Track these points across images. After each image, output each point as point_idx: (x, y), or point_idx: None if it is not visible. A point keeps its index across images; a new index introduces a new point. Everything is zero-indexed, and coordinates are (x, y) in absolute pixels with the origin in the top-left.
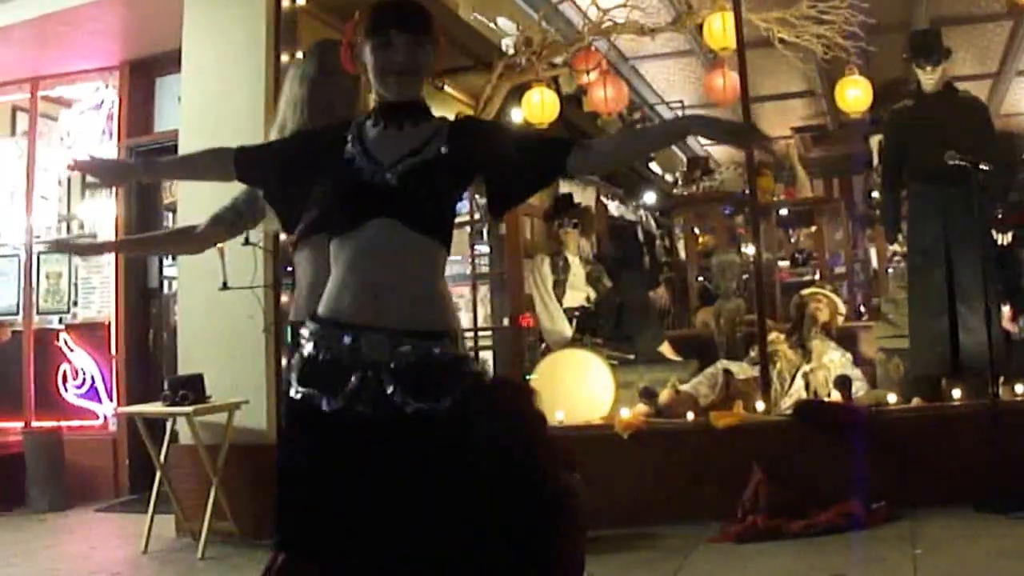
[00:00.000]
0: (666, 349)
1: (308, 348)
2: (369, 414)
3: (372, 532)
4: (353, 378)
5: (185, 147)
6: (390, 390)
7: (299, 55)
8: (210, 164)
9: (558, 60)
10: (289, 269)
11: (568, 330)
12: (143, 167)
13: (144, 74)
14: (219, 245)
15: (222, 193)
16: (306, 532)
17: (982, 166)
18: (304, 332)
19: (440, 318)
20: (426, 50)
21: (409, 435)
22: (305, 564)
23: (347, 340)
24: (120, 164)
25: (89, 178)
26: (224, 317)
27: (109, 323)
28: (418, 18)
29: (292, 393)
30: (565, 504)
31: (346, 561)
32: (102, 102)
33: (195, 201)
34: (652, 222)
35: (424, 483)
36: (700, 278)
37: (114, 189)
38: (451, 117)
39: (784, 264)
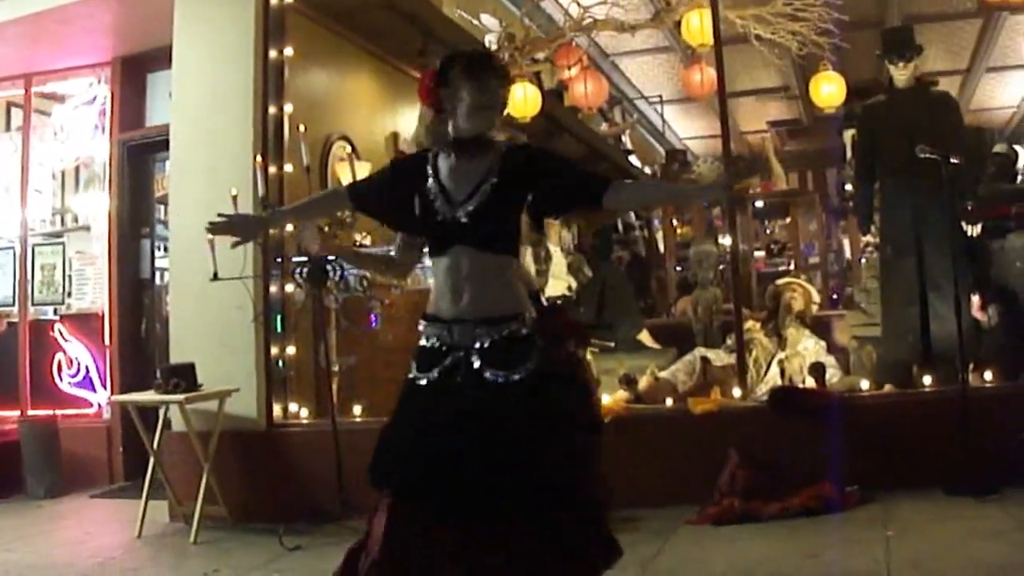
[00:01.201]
0: (645, 337)
1: (422, 340)
2: (462, 383)
3: (465, 468)
4: (449, 358)
5: (176, 141)
6: (476, 365)
7: None
8: (330, 203)
9: (540, 56)
10: (279, 260)
11: None
12: (272, 218)
13: (136, 70)
14: (209, 237)
15: (209, 188)
16: (413, 475)
17: (952, 160)
18: (421, 327)
19: (509, 306)
20: (505, 91)
21: (492, 398)
22: (409, 498)
23: (444, 331)
24: (254, 219)
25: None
26: (214, 307)
27: (103, 314)
28: (501, 67)
29: (411, 375)
30: (597, 445)
31: (440, 490)
32: (95, 97)
33: (185, 193)
34: (632, 214)
35: (502, 432)
36: (678, 268)
37: (108, 184)
38: (505, 147)
39: (760, 254)
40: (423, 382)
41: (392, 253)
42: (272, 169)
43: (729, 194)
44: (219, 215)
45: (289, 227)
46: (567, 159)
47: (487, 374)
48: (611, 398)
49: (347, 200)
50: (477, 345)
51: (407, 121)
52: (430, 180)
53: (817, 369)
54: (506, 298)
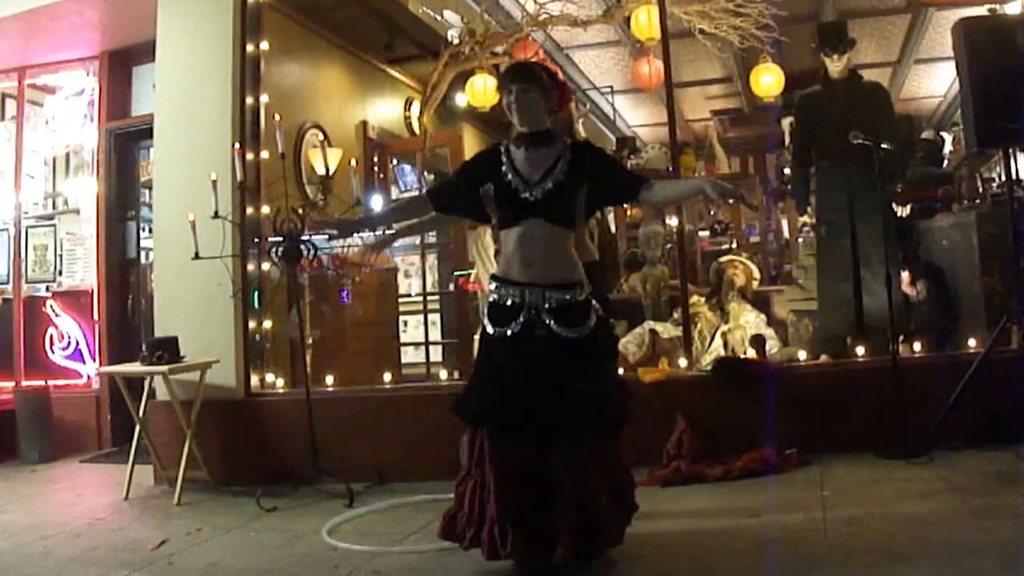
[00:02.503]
0: None
1: (493, 297)
2: (535, 335)
3: (536, 403)
4: (522, 315)
5: (160, 130)
6: (548, 322)
7: None
8: (416, 208)
9: (499, 49)
10: (256, 240)
11: None
12: (367, 223)
13: (122, 63)
14: (190, 218)
15: (191, 174)
16: (496, 408)
17: (883, 145)
18: (492, 286)
19: (571, 274)
20: (538, 94)
21: (559, 348)
22: (496, 429)
23: (517, 292)
24: (354, 223)
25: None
26: (196, 284)
27: (92, 290)
28: (529, 74)
29: (489, 330)
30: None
31: (517, 423)
32: (84, 89)
33: (168, 178)
34: None
35: (566, 372)
36: (628, 247)
37: (96, 170)
38: (569, 142)
39: (704, 234)
40: (506, 333)
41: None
42: (249, 155)
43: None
44: (331, 227)
45: (265, 208)
46: (615, 159)
47: (557, 329)
48: None
49: (430, 206)
50: (547, 306)
51: (375, 110)
52: (504, 166)
53: (758, 341)
54: (568, 266)
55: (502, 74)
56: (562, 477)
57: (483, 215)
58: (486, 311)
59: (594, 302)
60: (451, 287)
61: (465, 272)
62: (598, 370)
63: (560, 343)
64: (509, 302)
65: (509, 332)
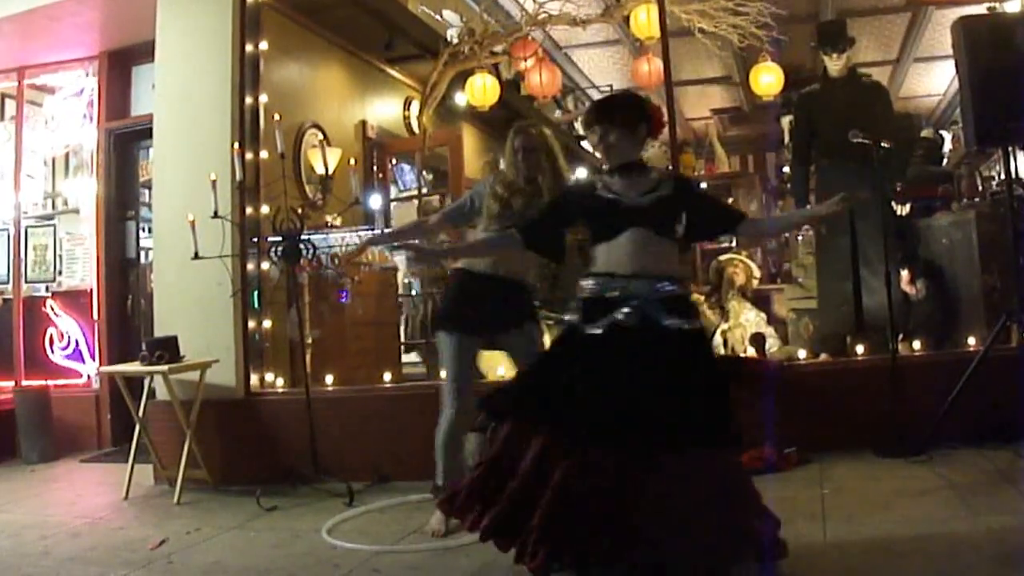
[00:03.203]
0: None
1: (587, 293)
2: (637, 327)
3: (641, 404)
4: (626, 306)
5: (159, 130)
6: (655, 313)
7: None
8: (504, 246)
9: (498, 49)
10: (255, 240)
11: None
12: (452, 252)
13: (121, 63)
14: (190, 218)
15: (190, 174)
16: (602, 415)
17: (883, 144)
18: (589, 283)
19: (676, 271)
20: (619, 130)
21: (672, 342)
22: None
23: (623, 284)
24: (431, 252)
25: (72, 161)
26: (196, 284)
27: (91, 290)
28: (607, 113)
29: (580, 325)
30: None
31: (613, 426)
32: (83, 89)
33: (167, 178)
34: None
35: (672, 367)
36: None
37: (96, 170)
38: (661, 173)
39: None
40: (598, 331)
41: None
42: (249, 155)
43: (839, 210)
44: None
45: (265, 208)
46: (713, 196)
47: (666, 321)
48: None
49: (521, 244)
50: (655, 297)
51: (374, 110)
52: (599, 192)
53: (757, 339)
54: (673, 266)
55: (586, 112)
56: (674, 487)
57: (561, 255)
58: (577, 309)
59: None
60: None
61: None
62: (712, 367)
63: (668, 335)
64: (611, 295)
65: (610, 323)
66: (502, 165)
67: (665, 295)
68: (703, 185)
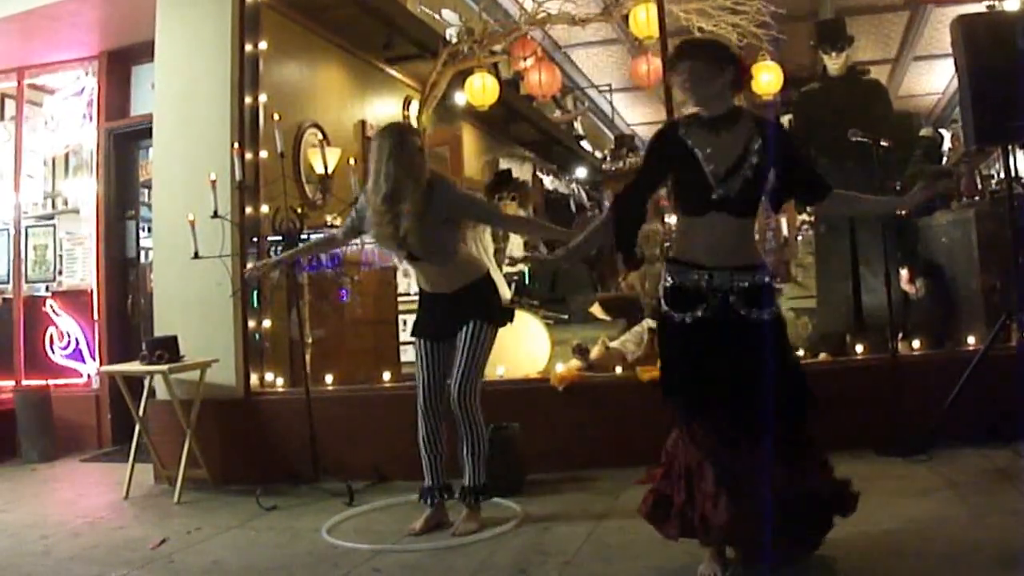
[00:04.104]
0: (596, 310)
1: (671, 281)
2: (720, 318)
3: (723, 384)
4: (710, 298)
5: (159, 130)
6: (735, 304)
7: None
8: (602, 229)
9: (497, 48)
10: (255, 239)
11: (508, 293)
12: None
13: (121, 63)
14: (190, 218)
15: (190, 173)
16: (686, 389)
17: (882, 143)
18: (670, 270)
19: (755, 258)
20: (714, 73)
21: (751, 330)
22: (700, 414)
23: (704, 276)
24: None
25: (72, 161)
26: (196, 284)
27: (91, 290)
28: (699, 52)
29: (673, 315)
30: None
31: (710, 403)
32: (83, 89)
33: (167, 178)
34: (583, 194)
35: (754, 356)
36: None
37: (96, 169)
38: (755, 123)
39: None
40: (689, 320)
41: (336, 233)
42: (248, 155)
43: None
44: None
45: (264, 208)
46: (805, 156)
47: (744, 311)
48: (565, 366)
49: (613, 224)
50: (735, 288)
51: (374, 109)
52: (689, 149)
53: None
54: (751, 250)
55: (672, 53)
56: (765, 467)
57: (637, 229)
58: (665, 296)
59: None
60: None
61: None
62: (789, 353)
63: (748, 325)
64: (693, 286)
65: (693, 317)
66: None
67: (746, 285)
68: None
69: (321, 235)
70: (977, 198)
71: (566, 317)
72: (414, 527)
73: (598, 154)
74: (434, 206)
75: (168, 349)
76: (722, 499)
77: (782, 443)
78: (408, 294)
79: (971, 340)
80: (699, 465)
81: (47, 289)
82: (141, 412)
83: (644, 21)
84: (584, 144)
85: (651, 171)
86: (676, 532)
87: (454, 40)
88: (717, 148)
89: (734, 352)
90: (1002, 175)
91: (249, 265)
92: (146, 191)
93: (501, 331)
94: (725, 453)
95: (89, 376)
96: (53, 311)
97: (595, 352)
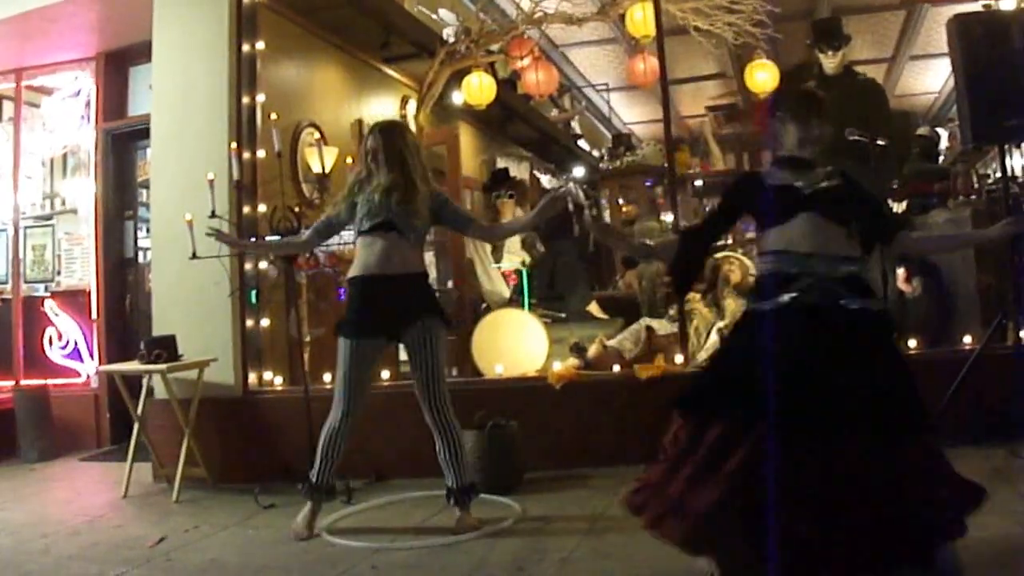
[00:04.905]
0: (594, 308)
1: (768, 269)
2: (817, 304)
3: (825, 382)
4: (804, 281)
5: (157, 130)
6: (834, 290)
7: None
8: (694, 246)
9: (494, 47)
10: (253, 239)
11: (506, 291)
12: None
13: (118, 64)
14: (188, 218)
15: (188, 173)
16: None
17: (879, 141)
18: (761, 262)
19: (854, 251)
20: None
21: (847, 321)
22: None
23: (803, 261)
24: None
25: (70, 161)
26: (194, 283)
27: (90, 290)
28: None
29: (753, 305)
30: None
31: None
32: (80, 90)
33: (165, 178)
34: (581, 193)
35: (856, 347)
36: None
37: (94, 170)
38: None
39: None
40: (784, 299)
41: (305, 236)
42: (246, 155)
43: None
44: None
45: (262, 207)
46: (875, 199)
47: (845, 301)
48: (563, 365)
49: (707, 237)
50: (835, 275)
51: (371, 109)
52: (768, 181)
53: None
54: (850, 247)
55: (790, 101)
56: (871, 473)
57: (702, 264)
58: (757, 286)
59: None
60: (449, 284)
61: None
62: (896, 351)
63: (849, 315)
64: (788, 271)
65: (787, 298)
66: None
67: (844, 274)
68: (699, 184)
69: (280, 237)
70: (973, 197)
71: (564, 316)
72: (300, 532)
73: (595, 153)
74: (428, 192)
75: (166, 348)
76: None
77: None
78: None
79: (967, 339)
80: (764, 476)
81: (46, 289)
82: (139, 411)
83: (641, 20)
84: (582, 143)
85: (730, 208)
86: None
87: (451, 39)
88: (798, 176)
89: (832, 344)
90: (998, 174)
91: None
92: (144, 191)
93: (500, 330)
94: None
95: (88, 376)
96: (52, 311)
97: (593, 350)
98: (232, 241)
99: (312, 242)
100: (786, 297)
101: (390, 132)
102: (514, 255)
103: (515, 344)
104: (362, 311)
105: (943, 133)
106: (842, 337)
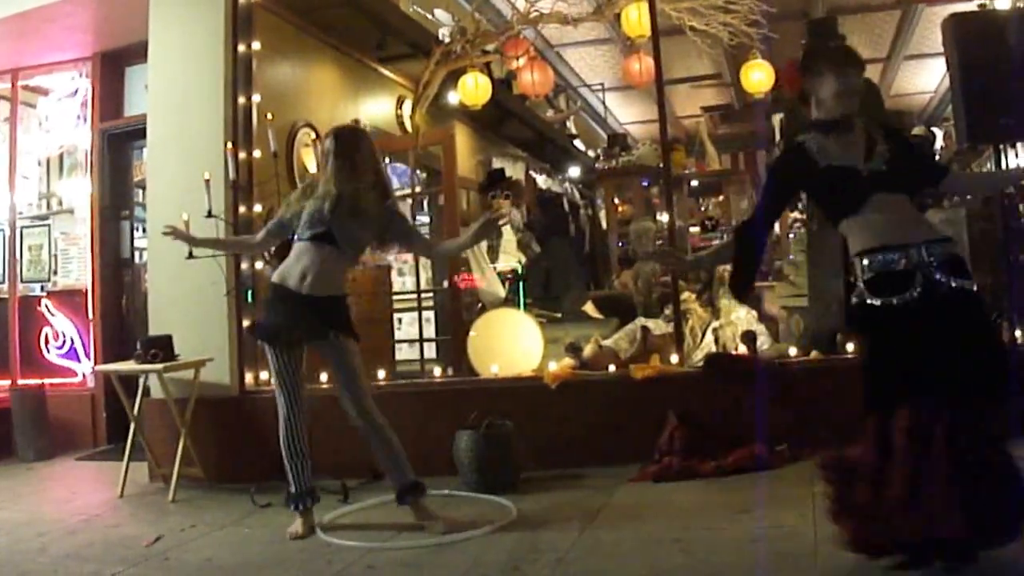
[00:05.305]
0: (589, 308)
1: (872, 266)
2: (930, 298)
3: (935, 363)
4: (916, 277)
5: (153, 130)
6: (938, 277)
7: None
8: (731, 246)
9: (490, 47)
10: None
11: (502, 291)
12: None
13: (114, 64)
14: (184, 218)
15: (184, 173)
16: (895, 384)
17: None
18: (865, 261)
19: (939, 231)
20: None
21: (959, 301)
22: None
23: (903, 254)
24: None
25: (66, 161)
26: (190, 283)
27: (86, 290)
28: (861, 59)
29: (879, 302)
30: None
31: (921, 390)
32: (77, 90)
33: (161, 178)
34: (576, 193)
35: (963, 327)
36: (620, 244)
37: (90, 170)
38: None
39: (695, 230)
40: (904, 301)
41: (259, 238)
42: (242, 155)
43: None
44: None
45: (258, 207)
46: (916, 145)
47: (952, 282)
48: (558, 365)
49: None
50: (934, 262)
51: (367, 109)
52: (818, 158)
53: (749, 337)
54: (931, 225)
55: (825, 54)
56: (971, 441)
57: (761, 250)
58: (865, 286)
59: None
60: (445, 284)
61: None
62: (992, 326)
63: (955, 295)
64: (897, 268)
65: (906, 298)
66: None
67: (946, 257)
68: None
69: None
70: (968, 197)
71: (559, 315)
72: (296, 532)
73: (591, 152)
74: (380, 204)
75: (163, 348)
76: (914, 507)
77: (985, 423)
78: (403, 293)
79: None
80: (888, 468)
81: (42, 289)
82: (136, 411)
83: (636, 20)
84: (577, 143)
85: (780, 191)
86: (858, 540)
87: (447, 40)
88: (845, 146)
89: (952, 332)
90: None
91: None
92: (140, 191)
93: (496, 330)
94: (922, 452)
95: (84, 375)
96: (48, 311)
97: (588, 350)
98: (187, 238)
99: (266, 243)
100: (898, 299)
101: (345, 138)
102: (510, 255)
103: (511, 344)
104: (275, 320)
105: (938, 133)
106: (957, 319)
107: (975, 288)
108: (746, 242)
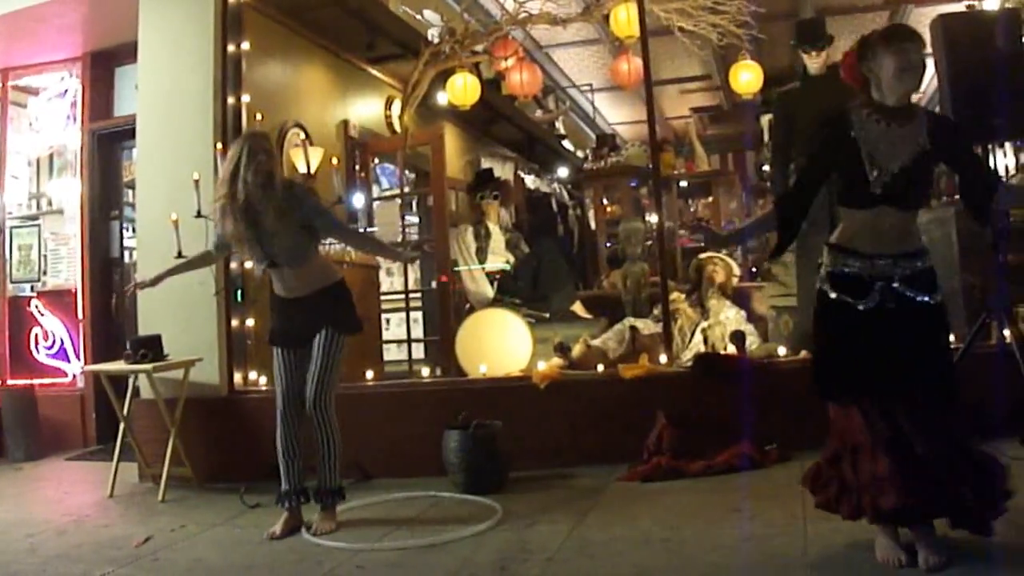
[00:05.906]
0: (578, 308)
1: (834, 267)
2: (891, 306)
3: (889, 369)
4: (877, 286)
5: (143, 130)
6: (898, 288)
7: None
8: (766, 220)
9: (479, 48)
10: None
11: (490, 292)
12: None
13: (104, 64)
14: (173, 218)
15: (173, 173)
16: (845, 381)
17: None
18: (831, 257)
19: (918, 243)
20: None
21: (915, 314)
22: (848, 402)
23: (867, 264)
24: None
25: (56, 162)
26: (179, 283)
27: (76, 290)
28: (919, 35)
29: (841, 298)
30: None
31: (873, 389)
32: (67, 90)
33: (151, 178)
34: (565, 194)
35: (919, 339)
36: (608, 244)
37: (80, 170)
38: (924, 114)
39: (684, 231)
40: (861, 307)
41: (211, 249)
42: None
43: None
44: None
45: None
46: (973, 150)
47: (909, 293)
48: (547, 364)
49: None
50: (900, 275)
51: (356, 109)
52: (858, 140)
53: (738, 337)
54: (915, 238)
55: (881, 33)
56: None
57: (799, 222)
58: (827, 276)
59: None
60: (433, 284)
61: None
62: (946, 338)
63: (912, 310)
64: (855, 274)
65: (861, 307)
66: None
67: (914, 271)
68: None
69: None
70: (957, 197)
71: (548, 315)
72: (274, 531)
73: (580, 153)
74: (293, 210)
75: (152, 348)
76: (896, 481)
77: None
78: (391, 293)
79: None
80: (866, 446)
81: (32, 289)
82: (125, 411)
83: (625, 21)
84: (566, 143)
85: (819, 167)
86: (848, 511)
87: (436, 40)
88: (891, 139)
89: (902, 336)
90: None
91: (133, 282)
92: (130, 191)
93: (484, 330)
94: (893, 434)
95: (74, 375)
96: (38, 311)
97: (577, 350)
98: (152, 281)
99: (221, 254)
100: (867, 304)
101: (233, 147)
102: (498, 256)
103: (499, 344)
104: (280, 325)
105: None
106: (910, 331)
107: (938, 301)
108: (786, 214)
